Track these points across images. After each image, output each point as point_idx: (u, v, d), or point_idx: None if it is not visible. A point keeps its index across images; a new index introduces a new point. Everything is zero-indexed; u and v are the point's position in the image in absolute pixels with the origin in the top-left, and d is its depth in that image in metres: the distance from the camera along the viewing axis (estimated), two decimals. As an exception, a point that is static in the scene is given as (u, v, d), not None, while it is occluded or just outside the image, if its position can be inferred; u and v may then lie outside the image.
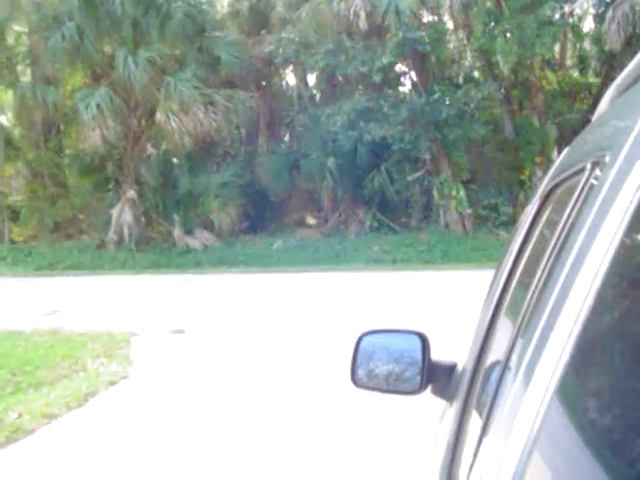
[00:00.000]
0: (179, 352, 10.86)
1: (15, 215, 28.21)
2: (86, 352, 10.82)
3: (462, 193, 23.44)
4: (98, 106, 22.91)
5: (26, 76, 28.41)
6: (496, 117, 25.30)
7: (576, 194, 1.25)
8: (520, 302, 1.56)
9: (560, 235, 1.29)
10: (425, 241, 22.99)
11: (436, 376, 2.37)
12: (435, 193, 24.03)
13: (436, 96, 23.15)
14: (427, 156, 23.92)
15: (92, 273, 21.84)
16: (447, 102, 23.45)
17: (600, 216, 1.00)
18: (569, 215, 1.26)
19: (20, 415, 7.47)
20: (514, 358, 1.31)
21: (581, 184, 1.24)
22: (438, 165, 24.27)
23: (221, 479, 5.85)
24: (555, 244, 1.32)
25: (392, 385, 2.39)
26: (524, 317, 1.41)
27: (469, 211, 23.46)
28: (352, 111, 23.50)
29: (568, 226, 1.23)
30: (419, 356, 2.33)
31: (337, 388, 7.33)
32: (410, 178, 24.43)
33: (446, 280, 17.66)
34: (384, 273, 19.81)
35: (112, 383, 9.00)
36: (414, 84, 25.60)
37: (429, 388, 2.41)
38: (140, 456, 6.44)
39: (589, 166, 1.22)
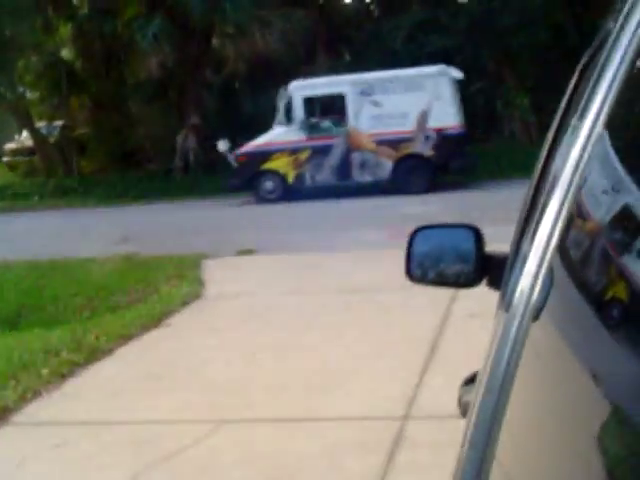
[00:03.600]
0: (248, 272, 11.03)
1: (82, 147, 28.66)
2: (158, 276, 11.07)
3: (526, 101, 23.04)
4: (154, 34, 22.96)
5: (83, 9, 28.54)
6: (559, 22, 24.62)
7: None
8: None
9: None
10: (490, 151, 22.65)
11: (491, 268, 2.39)
12: (499, 102, 23.65)
13: (496, 3, 22.59)
14: (489, 65, 23.51)
15: (160, 201, 22.10)
16: (507, 9, 22.87)
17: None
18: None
19: (97, 337, 7.71)
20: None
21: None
22: (501, 74, 23.87)
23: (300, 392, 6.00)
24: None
25: (447, 278, 2.42)
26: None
27: (534, 119, 23.07)
28: (411, 24, 23.13)
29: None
30: (473, 249, 2.35)
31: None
32: (473, 88, 24.03)
33: (517, 191, 17.41)
34: (451, 184, 19.56)
35: (185, 303, 9.20)
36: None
37: (485, 280, 2.43)
38: (217, 369, 6.63)
39: None
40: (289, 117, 20.12)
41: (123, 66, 28.49)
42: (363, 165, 19.74)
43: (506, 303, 1.22)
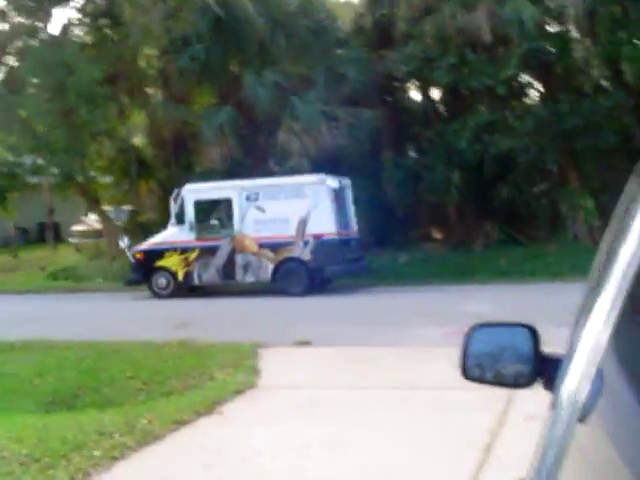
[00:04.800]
0: (304, 363, 10.99)
1: (148, 233, 29.10)
2: (214, 362, 11.09)
3: (591, 204, 22.92)
4: (220, 125, 23.50)
5: (157, 98, 29.41)
6: (625, 126, 24.61)
7: None
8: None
9: None
10: (553, 253, 22.50)
11: (546, 369, 2.36)
12: (563, 204, 23.57)
13: (562, 106, 22.74)
14: (554, 167, 23.52)
15: (224, 288, 22.26)
16: (574, 112, 22.98)
17: None
18: None
19: (150, 421, 7.73)
20: None
21: None
22: (565, 176, 23.83)
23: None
24: None
25: (504, 378, 2.40)
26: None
27: (598, 222, 22.89)
28: (477, 124, 23.34)
29: None
30: (530, 349, 2.33)
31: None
32: (537, 190, 24.06)
33: (576, 293, 17.22)
34: (511, 286, 19.49)
35: (239, 392, 9.18)
36: (540, 95, 25.24)
37: (540, 381, 2.40)
38: (267, 460, 6.57)
39: None
40: (181, 218, 21.40)
41: (191, 154, 29.09)
42: (246, 266, 20.78)
43: (554, 403, 1.21)
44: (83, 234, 32.79)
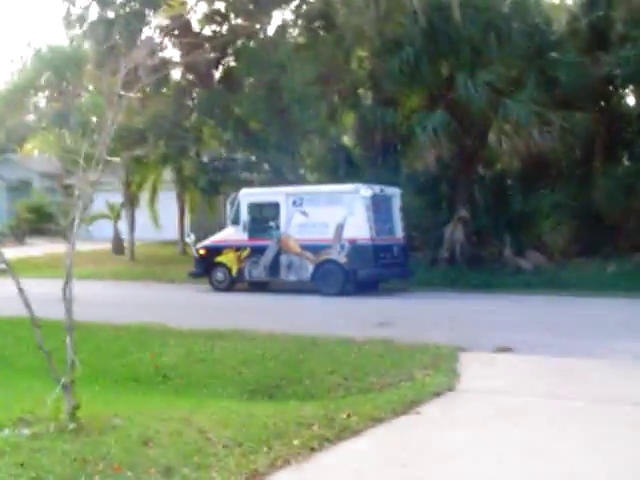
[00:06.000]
0: (504, 369, 10.81)
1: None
2: (413, 363, 11.11)
3: None
4: (434, 128, 23.51)
5: (367, 98, 29.79)
6: None
7: None
8: None
9: None
10: None
11: None
12: None
13: None
14: None
15: (422, 289, 22.34)
16: None
17: None
18: None
19: (349, 416, 7.85)
20: None
21: None
22: None
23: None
24: None
25: None
26: None
27: None
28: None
29: None
30: None
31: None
32: None
33: None
34: None
35: (437, 394, 9.16)
36: None
37: None
38: (463, 463, 6.53)
39: None
40: (237, 219, 23.27)
41: (399, 156, 29.23)
42: (289, 266, 22.36)
43: None
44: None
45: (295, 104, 25.93)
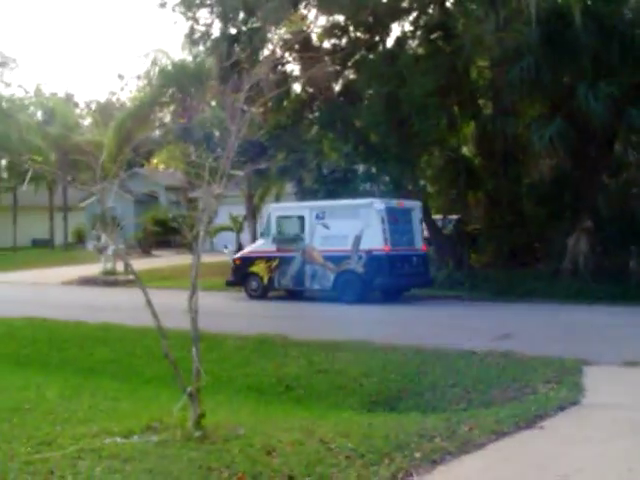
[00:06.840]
0: (633, 384, 10.55)
1: (474, 242, 29.35)
2: (536, 376, 10.97)
3: None
4: (550, 137, 23.08)
5: (487, 108, 29.51)
6: None
7: None
8: None
9: None
10: None
11: None
12: None
13: None
14: None
15: (545, 301, 21.96)
16: None
17: None
18: None
19: (471, 429, 7.81)
20: None
21: None
22: None
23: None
24: None
25: None
26: None
27: None
28: None
29: None
30: None
31: None
32: None
33: None
34: None
35: (561, 408, 9.00)
36: None
37: None
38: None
39: None
40: (268, 231, 25.06)
41: (520, 166, 28.83)
42: (313, 275, 23.64)
43: None
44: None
45: (415, 115, 25.85)
